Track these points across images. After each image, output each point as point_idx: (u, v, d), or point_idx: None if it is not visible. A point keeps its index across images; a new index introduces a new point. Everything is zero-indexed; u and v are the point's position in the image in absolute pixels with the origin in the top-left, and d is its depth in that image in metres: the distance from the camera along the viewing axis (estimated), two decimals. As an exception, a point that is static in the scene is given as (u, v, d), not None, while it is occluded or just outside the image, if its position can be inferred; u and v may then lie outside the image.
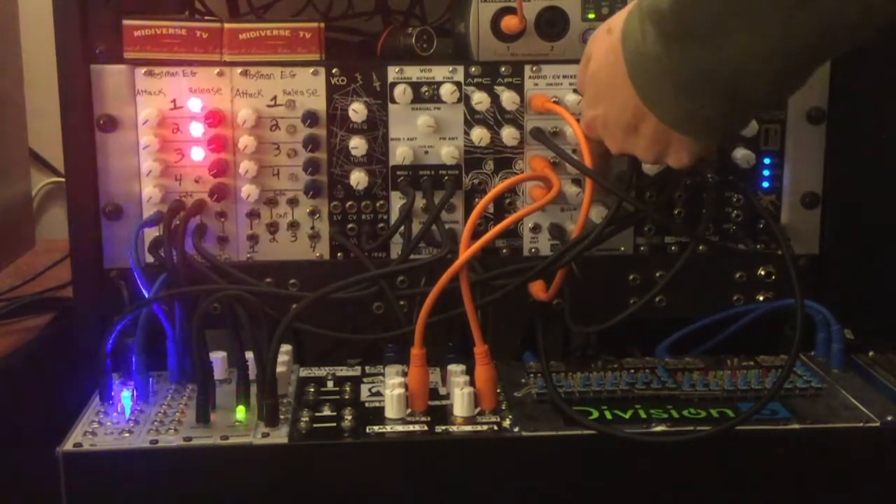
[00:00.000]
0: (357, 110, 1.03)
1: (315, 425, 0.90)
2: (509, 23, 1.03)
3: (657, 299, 1.06)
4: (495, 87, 1.04)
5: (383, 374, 1.01)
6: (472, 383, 0.94)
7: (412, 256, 1.02)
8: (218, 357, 0.98)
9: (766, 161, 1.07)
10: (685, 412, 0.93)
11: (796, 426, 0.91)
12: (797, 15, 0.70)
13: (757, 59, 0.73)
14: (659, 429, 0.90)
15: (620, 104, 0.84)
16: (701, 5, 0.72)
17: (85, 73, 1.02)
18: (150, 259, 1.03)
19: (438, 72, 1.04)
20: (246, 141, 1.02)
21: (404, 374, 0.96)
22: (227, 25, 1.04)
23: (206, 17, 1.28)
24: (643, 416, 0.92)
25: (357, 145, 1.03)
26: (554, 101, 1.03)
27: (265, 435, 0.89)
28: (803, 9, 0.69)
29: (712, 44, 0.73)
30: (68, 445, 0.87)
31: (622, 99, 0.83)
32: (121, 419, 0.92)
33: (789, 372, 0.90)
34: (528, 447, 0.89)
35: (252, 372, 0.93)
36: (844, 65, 1.05)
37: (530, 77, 1.04)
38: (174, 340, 0.98)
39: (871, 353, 1.05)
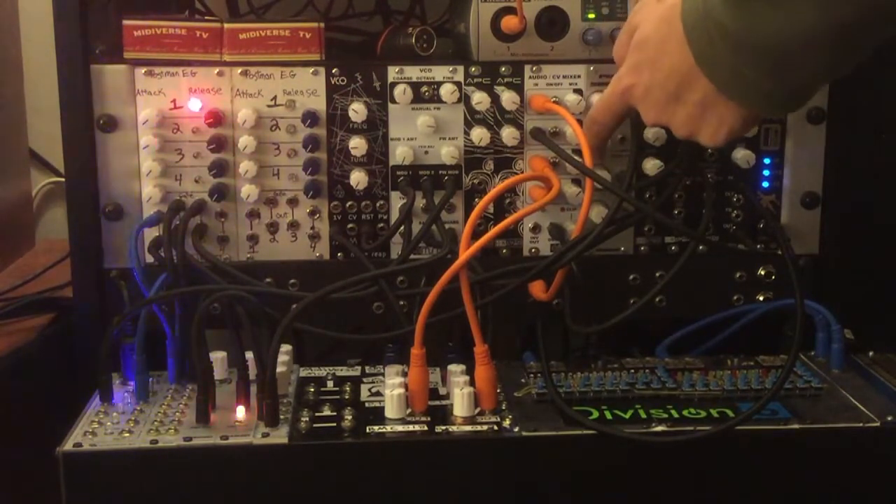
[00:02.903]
0: (357, 110, 1.03)
1: (315, 425, 0.90)
2: (509, 23, 1.03)
3: (657, 299, 1.06)
4: (495, 87, 1.04)
5: (383, 374, 1.01)
6: (472, 383, 0.94)
7: (412, 256, 1.02)
8: (218, 357, 0.98)
9: (766, 161, 1.07)
10: (685, 412, 0.93)
11: (796, 426, 0.91)
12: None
13: (804, 39, 0.74)
14: (659, 429, 0.90)
15: (669, 68, 0.83)
16: None
17: (85, 73, 1.02)
18: (150, 259, 1.03)
19: (438, 72, 1.04)
20: (246, 141, 1.02)
21: (404, 374, 0.96)
22: (227, 25, 1.04)
23: (206, 17, 1.28)
24: (643, 416, 0.92)
25: (357, 145, 1.03)
26: (554, 101, 1.03)
27: (265, 435, 0.88)
28: None
29: (777, 11, 0.73)
30: (68, 445, 0.87)
31: (672, 62, 0.83)
32: (121, 419, 0.92)
33: (789, 372, 0.90)
34: (528, 447, 0.89)
35: (252, 372, 0.93)
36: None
37: (530, 77, 1.04)
38: (174, 340, 0.98)
39: (871, 353, 1.06)
